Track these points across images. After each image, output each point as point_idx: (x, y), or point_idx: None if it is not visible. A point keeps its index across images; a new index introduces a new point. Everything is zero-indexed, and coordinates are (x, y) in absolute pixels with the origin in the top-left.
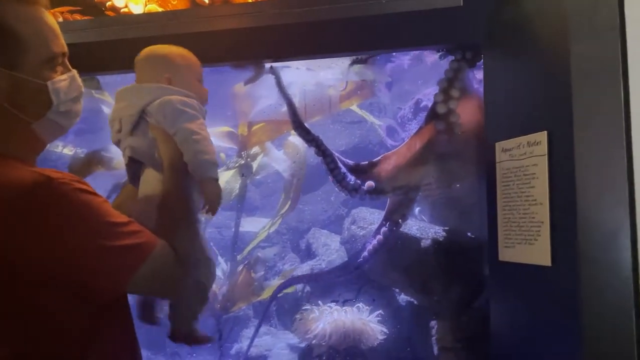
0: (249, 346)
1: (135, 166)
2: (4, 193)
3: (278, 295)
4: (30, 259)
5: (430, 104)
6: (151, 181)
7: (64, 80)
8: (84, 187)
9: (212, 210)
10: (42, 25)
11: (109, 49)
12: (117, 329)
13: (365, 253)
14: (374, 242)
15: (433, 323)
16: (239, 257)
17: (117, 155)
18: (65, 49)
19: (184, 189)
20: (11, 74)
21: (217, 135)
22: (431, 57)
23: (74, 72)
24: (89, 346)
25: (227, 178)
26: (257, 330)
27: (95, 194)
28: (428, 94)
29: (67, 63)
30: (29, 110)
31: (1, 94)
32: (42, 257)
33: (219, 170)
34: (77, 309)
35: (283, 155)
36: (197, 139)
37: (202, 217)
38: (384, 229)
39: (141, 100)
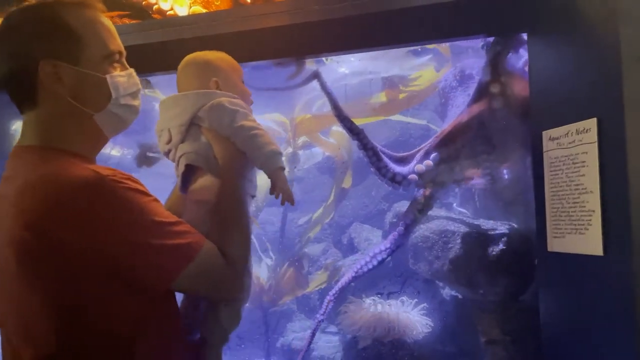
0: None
1: (188, 173)
2: (58, 190)
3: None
4: (81, 253)
5: (472, 72)
6: (203, 186)
7: (122, 76)
8: (134, 185)
9: (290, 199)
10: (99, 26)
11: (157, 51)
12: (165, 320)
13: (401, 227)
14: (411, 215)
15: (480, 315)
16: (294, 255)
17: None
18: (122, 48)
19: (241, 191)
20: (74, 68)
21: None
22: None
23: (132, 70)
24: (139, 337)
25: None
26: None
27: (145, 192)
28: (469, 64)
29: (125, 63)
30: (90, 103)
31: (65, 88)
32: (92, 251)
33: None
34: (127, 300)
35: (332, 141)
36: (258, 133)
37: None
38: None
39: (191, 107)
